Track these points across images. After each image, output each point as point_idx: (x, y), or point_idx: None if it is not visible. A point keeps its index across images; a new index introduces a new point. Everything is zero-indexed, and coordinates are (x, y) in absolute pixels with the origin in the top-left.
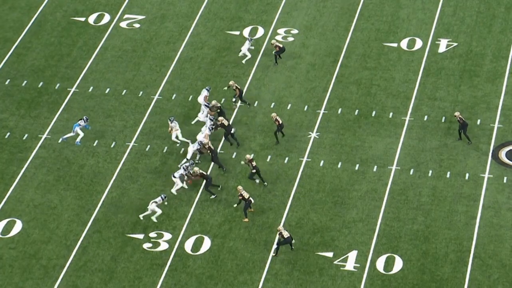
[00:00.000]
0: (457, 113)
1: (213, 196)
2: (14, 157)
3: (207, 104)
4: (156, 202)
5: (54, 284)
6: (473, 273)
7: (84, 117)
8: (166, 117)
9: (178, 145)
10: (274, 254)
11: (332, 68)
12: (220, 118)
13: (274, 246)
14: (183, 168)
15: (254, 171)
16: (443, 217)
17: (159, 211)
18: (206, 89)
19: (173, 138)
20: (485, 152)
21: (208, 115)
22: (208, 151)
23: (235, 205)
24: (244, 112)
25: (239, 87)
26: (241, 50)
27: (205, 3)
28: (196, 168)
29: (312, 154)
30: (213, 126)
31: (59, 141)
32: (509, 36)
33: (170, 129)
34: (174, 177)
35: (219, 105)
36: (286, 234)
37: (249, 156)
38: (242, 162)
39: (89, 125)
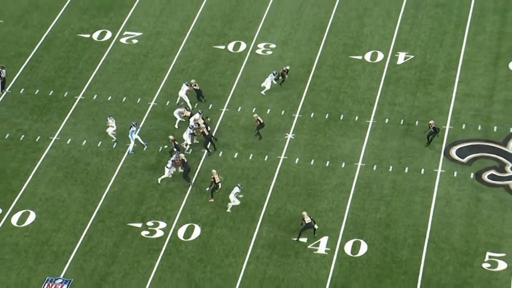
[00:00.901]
0: (431, 122)
1: (187, 184)
2: (28, 156)
3: (186, 84)
4: (237, 192)
5: (64, 267)
6: (428, 255)
7: (133, 123)
8: (161, 121)
9: (113, 140)
10: (295, 239)
11: (305, 77)
12: (202, 126)
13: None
14: (174, 157)
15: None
16: (402, 206)
17: (237, 202)
18: (186, 84)
19: (109, 132)
20: (438, 150)
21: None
22: (201, 135)
23: (207, 189)
24: (229, 116)
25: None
26: (264, 82)
27: (195, 21)
28: (181, 155)
29: (288, 153)
30: (193, 128)
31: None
32: (458, 50)
33: (107, 124)
34: (168, 167)
35: (197, 87)
36: (307, 219)
37: (171, 137)
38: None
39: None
